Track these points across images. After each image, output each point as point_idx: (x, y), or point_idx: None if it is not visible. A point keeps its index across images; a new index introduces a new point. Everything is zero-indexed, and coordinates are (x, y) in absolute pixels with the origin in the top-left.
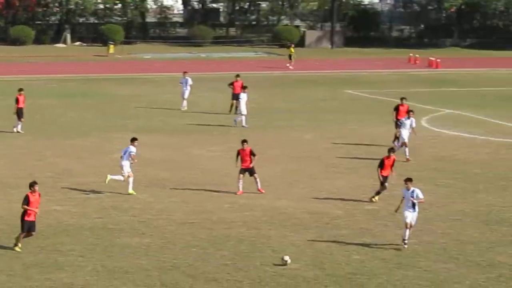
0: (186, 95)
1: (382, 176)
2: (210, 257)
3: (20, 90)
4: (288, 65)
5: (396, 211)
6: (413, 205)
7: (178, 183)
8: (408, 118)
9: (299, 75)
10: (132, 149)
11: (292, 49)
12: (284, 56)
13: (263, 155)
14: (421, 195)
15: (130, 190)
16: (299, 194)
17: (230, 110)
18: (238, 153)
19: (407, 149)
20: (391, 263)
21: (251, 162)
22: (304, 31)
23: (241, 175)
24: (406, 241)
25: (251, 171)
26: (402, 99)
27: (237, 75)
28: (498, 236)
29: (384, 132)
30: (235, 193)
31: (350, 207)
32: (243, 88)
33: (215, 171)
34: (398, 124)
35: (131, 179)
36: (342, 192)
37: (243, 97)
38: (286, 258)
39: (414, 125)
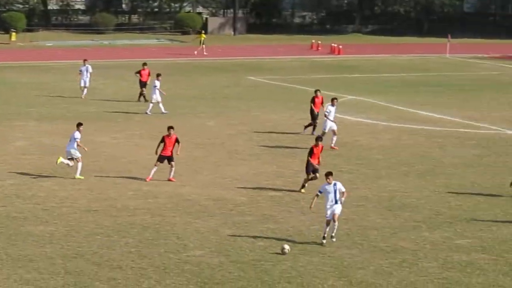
0: (87, 83)
1: (313, 165)
2: (115, 244)
3: None
4: (196, 52)
5: (310, 207)
6: (336, 199)
7: (82, 170)
8: (333, 105)
9: (202, 62)
10: (77, 135)
11: (203, 35)
12: (187, 43)
13: None
14: (343, 188)
15: (78, 175)
16: (203, 181)
17: (139, 99)
18: (163, 140)
19: (335, 138)
20: (295, 249)
21: (172, 150)
22: (206, 18)
23: (159, 163)
24: (333, 236)
25: (170, 159)
26: (316, 91)
27: (144, 63)
28: (400, 222)
29: (287, 118)
30: (145, 180)
31: (254, 194)
32: (157, 75)
33: (119, 158)
34: (314, 116)
35: (79, 164)
36: (245, 179)
37: (157, 84)
38: (286, 248)
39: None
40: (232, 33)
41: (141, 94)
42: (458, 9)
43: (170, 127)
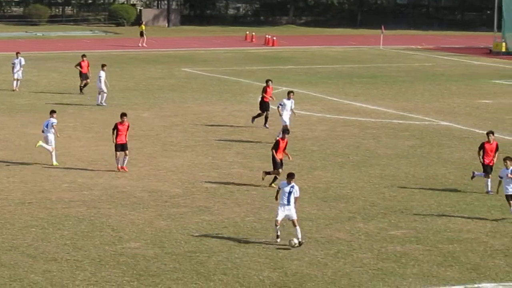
0: (20, 75)
1: (280, 159)
2: (50, 236)
3: None
4: (140, 44)
5: (276, 198)
6: (289, 200)
7: (16, 162)
8: (289, 99)
9: (137, 53)
10: (53, 120)
11: (143, 27)
12: (121, 35)
13: (99, 133)
14: (298, 193)
15: (55, 162)
16: (138, 172)
17: (81, 91)
18: (116, 127)
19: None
20: (230, 240)
21: (126, 137)
22: (140, 10)
23: (118, 153)
24: (301, 242)
25: (125, 147)
26: (267, 81)
27: (83, 55)
28: (335, 213)
29: (222, 110)
30: (117, 170)
31: (189, 186)
32: (102, 66)
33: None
34: (264, 107)
35: (53, 152)
36: (180, 171)
37: (102, 75)
38: (295, 241)
39: (293, 106)
40: (166, 24)
41: (85, 85)
42: (391, 1)
43: (123, 114)
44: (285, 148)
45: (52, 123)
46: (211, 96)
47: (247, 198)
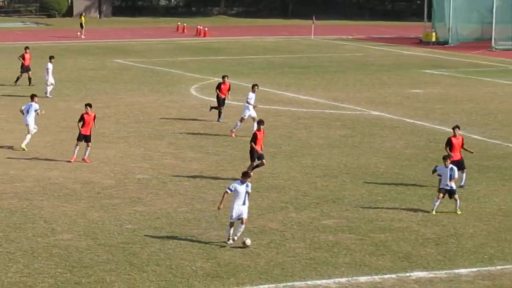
0: None
1: (257, 151)
2: None
3: None
4: (79, 34)
5: (219, 208)
6: (245, 201)
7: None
8: (253, 92)
9: (68, 45)
10: (35, 105)
11: (83, 18)
12: (52, 26)
13: None
14: (250, 190)
15: (23, 145)
16: (70, 164)
17: (30, 83)
18: (82, 118)
19: (255, 124)
20: (163, 231)
21: (91, 129)
22: (71, 1)
23: (79, 142)
24: (235, 238)
25: (88, 138)
26: (224, 77)
27: (26, 47)
28: (268, 203)
29: (154, 101)
30: (69, 161)
31: (121, 177)
32: (50, 58)
33: None
34: (219, 102)
35: (28, 136)
36: (112, 162)
37: (50, 67)
38: (248, 241)
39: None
40: (98, 16)
41: (29, 79)
42: None
43: (87, 105)
44: (262, 138)
45: (35, 109)
46: (143, 87)
47: (180, 189)
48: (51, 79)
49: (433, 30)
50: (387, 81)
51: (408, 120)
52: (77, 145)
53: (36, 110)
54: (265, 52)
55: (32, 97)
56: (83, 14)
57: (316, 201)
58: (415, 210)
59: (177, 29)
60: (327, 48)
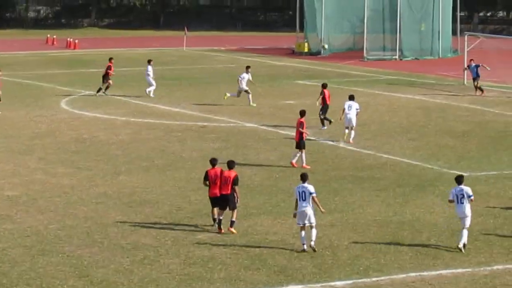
0: None
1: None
2: None
3: None
4: None
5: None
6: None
7: None
8: (247, 73)
9: None
10: None
11: None
12: None
13: None
14: None
15: None
16: None
17: None
18: None
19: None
20: (34, 249)
21: None
22: None
23: None
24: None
25: None
26: (110, 59)
27: None
28: (142, 218)
29: (24, 115)
30: None
31: None
32: None
33: None
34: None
35: None
36: None
37: None
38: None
39: (251, 78)
40: None
41: None
42: (194, 2)
43: None
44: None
45: None
46: (13, 101)
47: (50, 205)
48: None
49: (305, 40)
50: (260, 92)
51: (281, 131)
52: None
53: None
54: (137, 64)
55: None
56: None
57: (190, 216)
58: (290, 223)
59: (47, 41)
60: (199, 59)
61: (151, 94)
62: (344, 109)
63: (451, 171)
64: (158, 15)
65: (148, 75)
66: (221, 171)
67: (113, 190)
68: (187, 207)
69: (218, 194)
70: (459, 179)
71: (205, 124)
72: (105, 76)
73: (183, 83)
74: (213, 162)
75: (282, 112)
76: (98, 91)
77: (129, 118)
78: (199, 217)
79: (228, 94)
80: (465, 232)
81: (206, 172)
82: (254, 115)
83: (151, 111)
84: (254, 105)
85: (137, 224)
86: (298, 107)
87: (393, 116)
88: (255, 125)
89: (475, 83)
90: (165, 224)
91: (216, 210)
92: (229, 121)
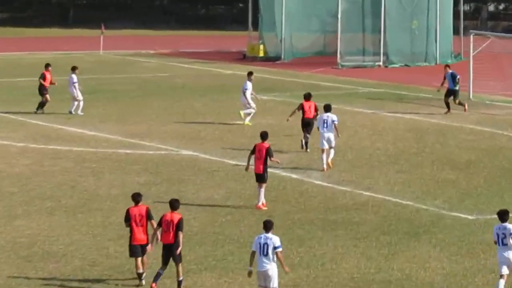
0: None
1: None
2: None
3: None
4: None
5: None
6: None
7: None
8: (250, 81)
9: None
10: None
11: None
12: None
13: None
14: None
15: None
16: None
17: None
18: None
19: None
20: None
21: None
22: None
23: None
24: None
25: None
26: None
27: None
28: (44, 276)
29: None
30: None
31: None
32: None
33: None
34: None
35: None
36: None
37: None
38: None
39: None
40: None
41: None
42: None
43: None
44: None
45: None
46: None
47: None
48: None
49: (260, 42)
50: (201, 109)
51: (230, 161)
52: None
53: None
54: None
55: None
56: None
57: (108, 273)
58: (240, 283)
59: None
60: (121, 67)
61: (79, 111)
62: (318, 128)
63: (452, 213)
64: (66, 9)
65: (75, 86)
66: (147, 211)
67: (7, 239)
68: (104, 261)
69: (145, 242)
70: (502, 216)
71: (128, 151)
72: (40, 89)
73: (99, 98)
74: (137, 198)
75: (231, 135)
76: (37, 108)
77: (28, 143)
78: (120, 274)
79: (242, 112)
80: (502, 283)
81: (127, 210)
82: (193, 139)
83: (57, 135)
84: (250, 124)
85: (37, 285)
86: (252, 128)
87: (377, 141)
88: (195, 153)
89: (453, 98)
90: (75, 284)
91: (139, 261)
92: (159, 148)
